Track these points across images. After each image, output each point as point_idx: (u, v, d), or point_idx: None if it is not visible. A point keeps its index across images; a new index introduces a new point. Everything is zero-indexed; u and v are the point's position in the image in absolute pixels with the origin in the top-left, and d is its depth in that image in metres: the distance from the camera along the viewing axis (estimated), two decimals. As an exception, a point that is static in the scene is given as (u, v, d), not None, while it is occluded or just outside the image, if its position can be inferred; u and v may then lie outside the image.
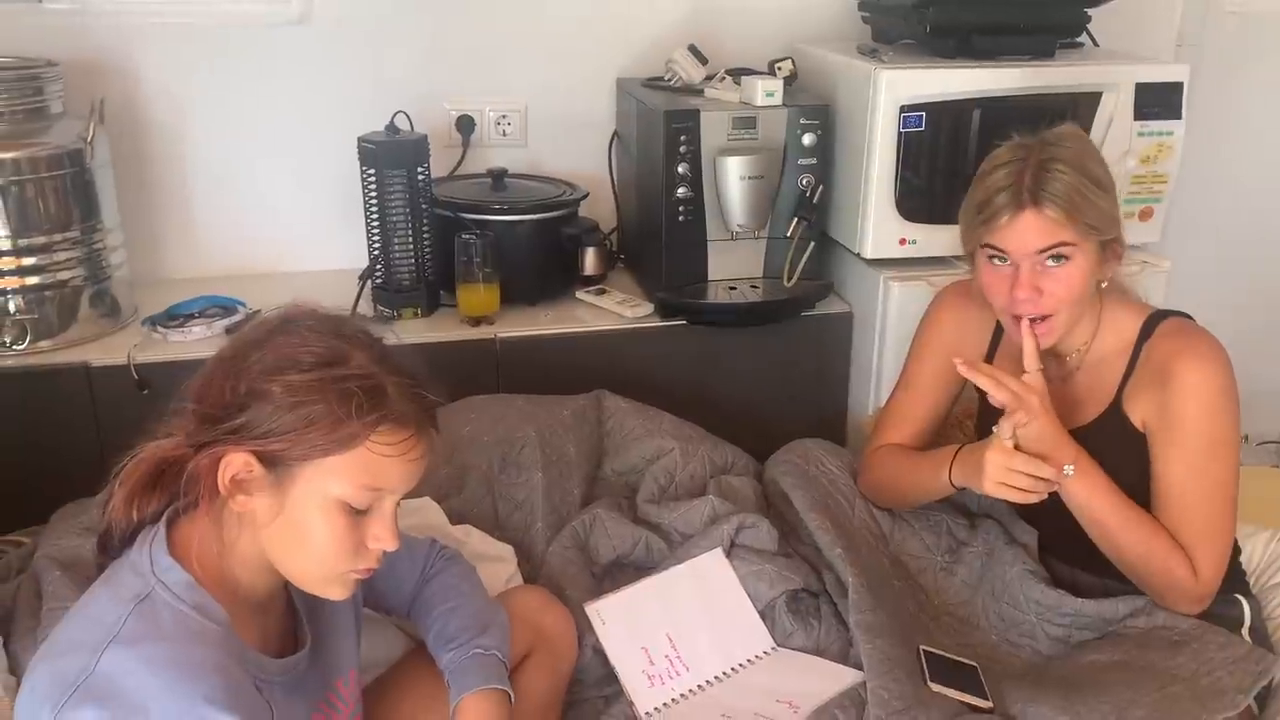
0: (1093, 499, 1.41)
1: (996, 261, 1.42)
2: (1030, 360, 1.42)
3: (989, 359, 1.59)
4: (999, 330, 1.57)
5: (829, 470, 1.74)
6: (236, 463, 0.99)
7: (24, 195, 1.84)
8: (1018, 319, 1.43)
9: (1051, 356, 1.50)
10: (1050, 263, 1.39)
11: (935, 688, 1.40)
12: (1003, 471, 1.38)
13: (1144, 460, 1.44)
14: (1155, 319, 1.47)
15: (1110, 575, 1.49)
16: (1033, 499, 1.39)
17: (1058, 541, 1.56)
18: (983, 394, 1.44)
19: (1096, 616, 1.49)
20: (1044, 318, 1.42)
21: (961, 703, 1.38)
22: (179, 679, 0.94)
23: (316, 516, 1.01)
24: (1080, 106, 2.04)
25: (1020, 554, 1.58)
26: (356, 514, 1.02)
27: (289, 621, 1.15)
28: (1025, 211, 1.37)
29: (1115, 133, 2.05)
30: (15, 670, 1.35)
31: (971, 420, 1.73)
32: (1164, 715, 1.26)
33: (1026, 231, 1.37)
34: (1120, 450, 1.45)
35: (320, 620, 1.17)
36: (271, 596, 1.10)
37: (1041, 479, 1.37)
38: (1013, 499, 1.39)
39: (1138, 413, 1.44)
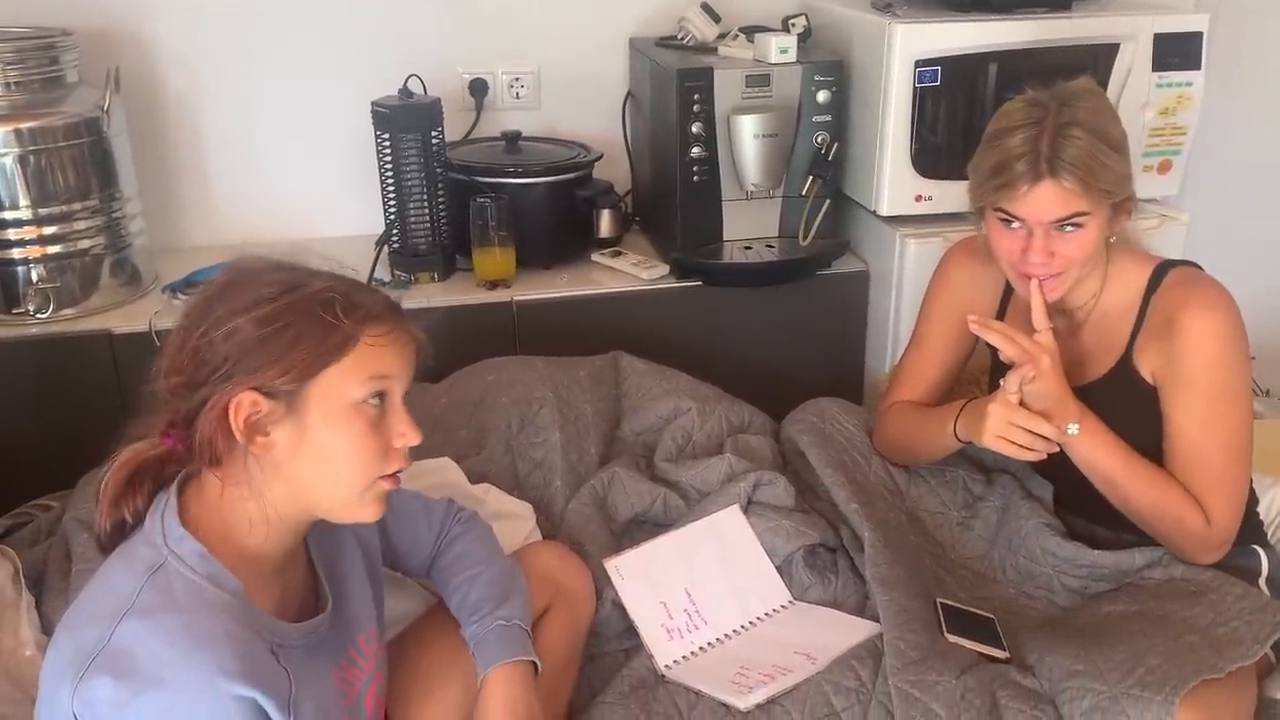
0: (1099, 457, 1.42)
1: (1010, 225, 1.41)
2: (1040, 319, 1.42)
3: (1000, 315, 1.59)
4: (1009, 287, 1.56)
5: (845, 428, 1.75)
6: (245, 403, 0.99)
7: (42, 165, 1.85)
8: (1026, 277, 1.43)
9: (1060, 312, 1.49)
10: (1065, 228, 1.38)
11: (952, 639, 1.41)
12: (1003, 425, 1.39)
13: (1155, 413, 1.43)
14: (1162, 269, 1.46)
15: (1127, 530, 1.49)
16: (1029, 456, 1.40)
17: (1073, 496, 1.56)
18: (994, 351, 1.44)
19: (1113, 568, 1.50)
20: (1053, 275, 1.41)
21: (978, 653, 1.40)
22: (193, 650, 0.94)
23: (339, 428, 1.02)
24: (1098, 58, 2.02)
25: (1036, 508, 1.58)
26: (374, 416, 1.04)
27: (309, 583, 1.16)
28: (1044, 182, 1.35)
29: (1133, 84, 2.03)
30: (47, 630, 1.38)
31: (986, 376, 1.73)
32: (1180, 664, 1.26)
33: (1044, 202, 1.36)
34: (1131, 404, 1.44)
35: (338, 577, 1.18)
36: (289, 559, 1.10)
37: (1040, 436, 1.37)
38: (1010, 453, 1.40)
39: (1147, 365, 1.44)
